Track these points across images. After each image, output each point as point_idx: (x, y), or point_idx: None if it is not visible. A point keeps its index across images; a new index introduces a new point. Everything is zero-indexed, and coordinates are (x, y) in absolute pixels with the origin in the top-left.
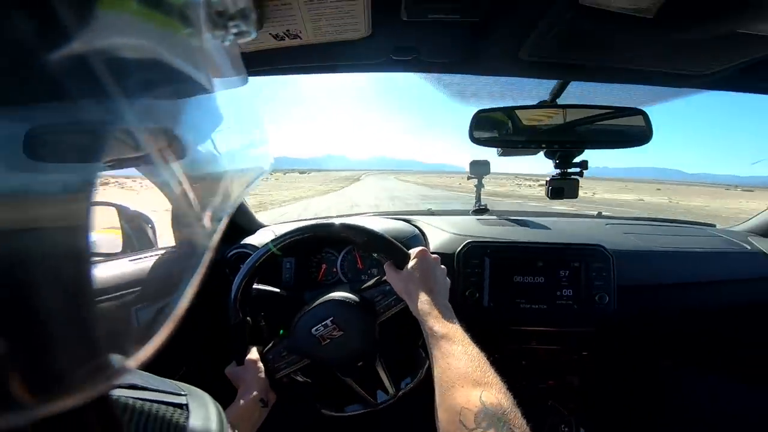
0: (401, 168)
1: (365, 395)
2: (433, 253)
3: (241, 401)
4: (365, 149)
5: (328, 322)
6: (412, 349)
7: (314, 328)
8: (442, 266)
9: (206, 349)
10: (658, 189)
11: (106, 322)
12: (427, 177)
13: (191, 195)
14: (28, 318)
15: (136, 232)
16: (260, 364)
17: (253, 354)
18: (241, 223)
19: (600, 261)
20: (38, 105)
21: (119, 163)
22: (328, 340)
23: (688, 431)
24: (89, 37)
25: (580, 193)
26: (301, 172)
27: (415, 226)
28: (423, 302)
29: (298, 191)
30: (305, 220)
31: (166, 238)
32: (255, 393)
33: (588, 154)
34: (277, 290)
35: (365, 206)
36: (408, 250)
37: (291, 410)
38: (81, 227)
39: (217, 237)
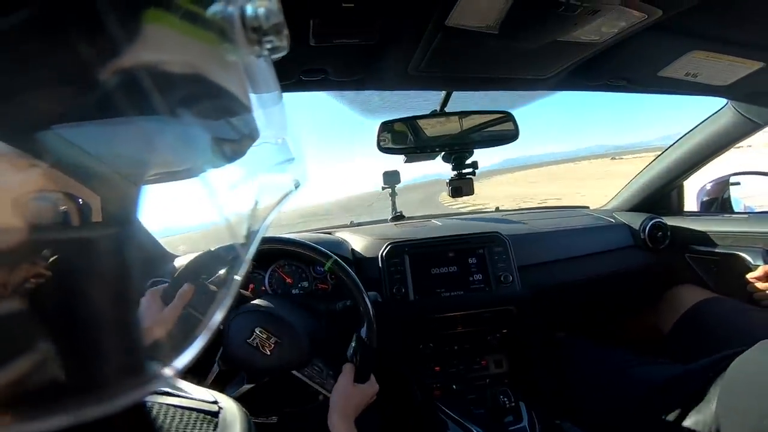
0: None
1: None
2: (358, 259)
3: None
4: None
5: (269, 341)
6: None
7: (259, 329)
8: None
9: None
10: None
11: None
12: None
13: (227, 208)
14: (75, 323)
15: None
16: None
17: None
18: (156, 254)
19: (499, 245)
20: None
21: (168, 176)
22: (254, 347)
23: (586, 398)
24: (138, 52)
25: None
26: None
27: (338, 237)
28: (348, 423)
29: None
30: None
31: None
32: None
33: (478, 155)
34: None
35: None
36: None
37: None
38: (128, 235)
39: (253, 250)
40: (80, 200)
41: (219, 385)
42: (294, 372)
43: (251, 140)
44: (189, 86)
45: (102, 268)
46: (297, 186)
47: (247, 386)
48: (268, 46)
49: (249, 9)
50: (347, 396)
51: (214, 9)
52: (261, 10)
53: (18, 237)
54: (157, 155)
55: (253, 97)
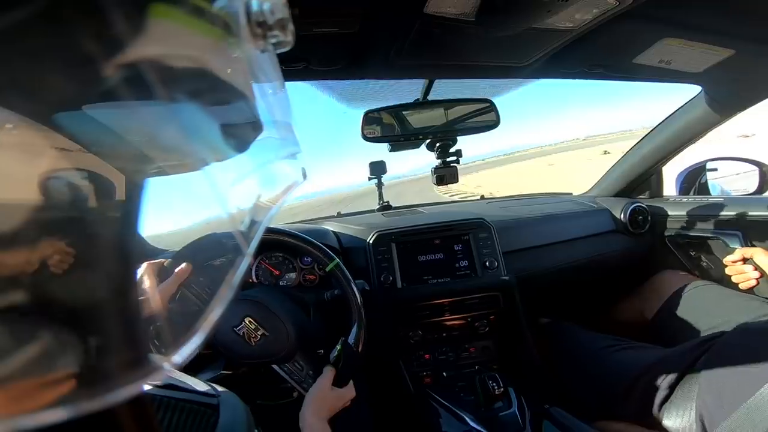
0: None
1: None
2: (345, 249)
3: None
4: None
5: (257, 332)
6: None
7: (249, 319)
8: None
9: None
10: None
11: (147, 321)
12: None
13: (229, 200)
14: (82, 316)
15: None
16: None
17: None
18: (144, 249)
19: (484, 231)
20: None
21: (167, 170)
22: (240, 335)
23: (572, 382)
24: (144, 46)
25: None
26: None
27: (324, 227)
28: (321, 422)
29: None
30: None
31: None
32: None
33: (462, 144)
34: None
35: None
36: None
37: None
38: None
39: (254, 244)
40: (97, 179)
41: (196, 367)
42: (274, 366)
43: (257, 133)
44: (194, 80)
45: (111, 250)
46: (304, 177)
47: (223, 372)
48: (273, 41)
49: (254, 4)
50: (323, 397)
51: (220, 4)
52: (266, 6)
53: (37, 215)
54: (161, 145)
55: (257, 90)
